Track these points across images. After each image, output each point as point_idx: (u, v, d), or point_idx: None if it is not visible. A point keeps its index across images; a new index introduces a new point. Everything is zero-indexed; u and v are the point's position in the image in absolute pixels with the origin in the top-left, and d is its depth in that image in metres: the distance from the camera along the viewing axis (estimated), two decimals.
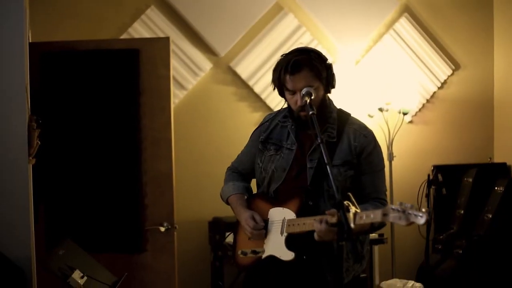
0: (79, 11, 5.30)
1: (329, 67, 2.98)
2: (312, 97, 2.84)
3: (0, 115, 3.14)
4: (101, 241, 4.35)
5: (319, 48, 5.54)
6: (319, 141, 2.64)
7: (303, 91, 2.86)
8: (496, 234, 5.41)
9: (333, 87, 3.02)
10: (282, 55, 3.03)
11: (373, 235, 5.01)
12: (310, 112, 2.78)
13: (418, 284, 5.22)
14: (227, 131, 5.61)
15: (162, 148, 4.40)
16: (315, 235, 2.73)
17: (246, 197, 3.21)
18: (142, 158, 4.38)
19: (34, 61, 4.24)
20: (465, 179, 5.77)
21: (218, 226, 5.27)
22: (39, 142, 3.31)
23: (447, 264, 5.50)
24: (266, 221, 3.02)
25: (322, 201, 2.94)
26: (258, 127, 3.23)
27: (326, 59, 3.00)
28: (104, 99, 4.39)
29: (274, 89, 3.05)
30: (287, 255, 2.90)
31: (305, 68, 2.91)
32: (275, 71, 3.01)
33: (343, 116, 3.09)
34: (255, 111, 5.67)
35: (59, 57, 4.40)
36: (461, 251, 5.42)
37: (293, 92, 2.95)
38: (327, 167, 2.57)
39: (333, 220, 2.64)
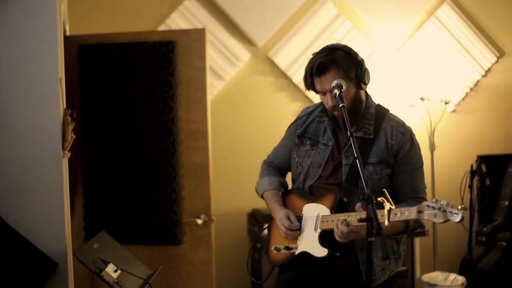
0: (116, 2, 5.31)
1: (358, 64, 2.91)
2: (343, 89, 2.79)
3: (34, 109, 3.14)
4: (138, 234, 4.41)
5: (359, 37, 5.55)
6: (348, 134, 2.61)
7: (333, 83, 2.81)
8: None
9: (366, 83, 2.95)
10: (312, 54, 2.99)
11: None
12: (340, 105, 2.73)
13: (460, 277, 5.13)
14: (266, 122, 5.57)
15: (199, 140, 4.40)
16: (336, 236, 2.72)
17: (281, 193, 3.18)
18: (178, 150, 4.40)
19: (72, 54, 4.29)
20: (510, 169, 5.65)
21: (257, 218, 5.25)
22: (73, 136, 3.32)
23: (491, 257, 5.39)
24: (300, 217, 3.01)
25: (357, 198, 2.89)
26: (295, 120, 3.21)
27: (356, 56, 2.93)
28: (140, 91, 4.42)
29: (306, 89, 3.02)
30: (321, 252, 2.87)
31: (332, 69, 2.87)
32: (305, 70, 2.98)
33: (381, 112, 3.04)
34: (294, 101, 5.62)
35: (97, 49, 4.44)
36: (505, 244, 5.32)
37: (324, 93, 2.93)
38: (356, 161, 2.54)
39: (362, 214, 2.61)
